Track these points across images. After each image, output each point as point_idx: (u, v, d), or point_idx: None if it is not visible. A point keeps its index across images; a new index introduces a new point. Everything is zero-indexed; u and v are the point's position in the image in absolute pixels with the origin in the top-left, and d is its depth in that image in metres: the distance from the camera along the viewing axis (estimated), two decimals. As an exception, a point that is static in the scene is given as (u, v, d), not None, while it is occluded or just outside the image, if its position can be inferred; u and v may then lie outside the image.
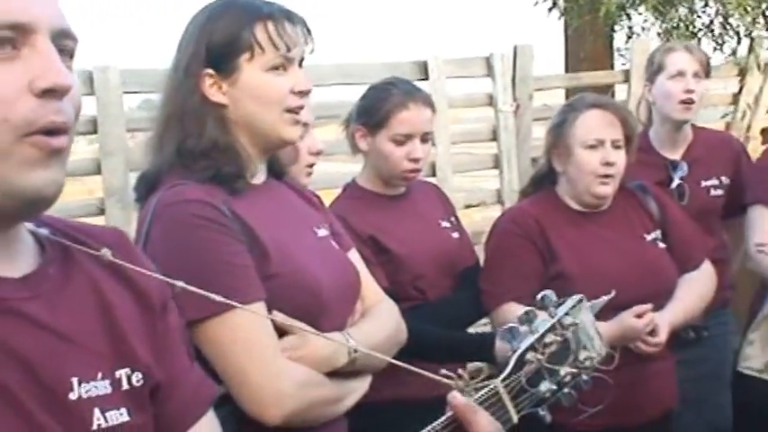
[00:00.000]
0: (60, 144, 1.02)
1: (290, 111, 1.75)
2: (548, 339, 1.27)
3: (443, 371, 1.30)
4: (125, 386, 1.13)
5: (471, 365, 1.29)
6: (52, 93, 1.00)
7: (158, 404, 1.19)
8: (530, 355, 1.26)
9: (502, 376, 1.25)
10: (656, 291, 2.61)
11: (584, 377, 1.29)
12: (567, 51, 7.74)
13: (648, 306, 2.50)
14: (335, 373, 1.71)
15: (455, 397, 1.21)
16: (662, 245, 2.71)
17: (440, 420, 1.20)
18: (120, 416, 1.11)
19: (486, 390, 1.23)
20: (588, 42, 7.04)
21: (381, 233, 2.56)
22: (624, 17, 5.67)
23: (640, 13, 5.71)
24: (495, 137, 4.91)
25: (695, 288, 2.71)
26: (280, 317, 1.64)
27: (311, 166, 2.38)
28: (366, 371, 1.78)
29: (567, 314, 1.28)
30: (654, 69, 3.26)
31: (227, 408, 1.58)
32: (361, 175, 2.74)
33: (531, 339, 1.26)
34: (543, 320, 1.28)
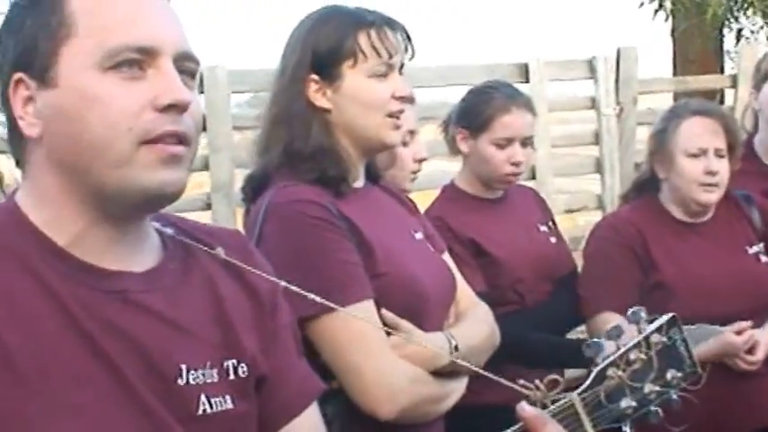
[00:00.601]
0: (177, 151, 1.12)
1: (391, 115, 1.79)
2: (632, 356, 1.27)
3: (522, 381, 1.31)
4: (231, 376, 1.20)
5: (548, 377, 1.28)
6: (172, 108, 1.11)
7: (264, 396, 1.25)
8: (611, 371, 1.26)
9: (580, 390, 1.25)
10: (756, 306, 2.55)
11: (674, 396, 1.30)
12: (675, 54, 7.62)
13: (749, 323, 2.46)
14: (435, 374, 1.75)
15: (524, 408, 1.22)
16: (765, 258, 2.64)
17: (510, 430, 1.22)
18: (224, 403, 1.18)
19: (562, 402, 1.24)
20: (696, 45, 6.90)
21: (481, 236, 2.57)
22: (732, 20, 5.54)
23: (748, 17, 5.57)
24: (597, 140, 4.88)
25: None
26: (388, 314, 1.68)
27: (415, 172, 2.44)
28: (463, 372, 1.80)
29: (656, 332, 1.29)
30: (760, 77, 3.16)
31: (336, 402, 1.65)
32: (459, 176, 2.76)
33: (613, 356, 1.27)
34: (629, 337, 1.28)
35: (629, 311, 1.31)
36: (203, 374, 1.17)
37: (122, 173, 1.10)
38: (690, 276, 2.51)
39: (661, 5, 5.50)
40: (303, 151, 1.76)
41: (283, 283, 1.32)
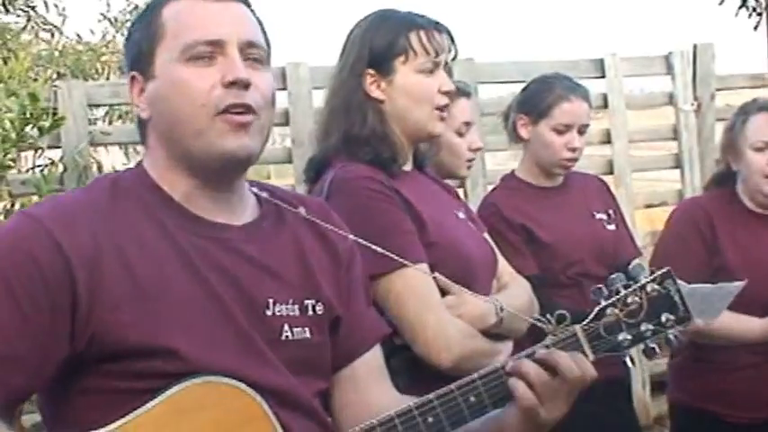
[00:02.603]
0: (245, 120, 1.39)
1: (437, 108, 2.02)
2: (629, 300, 1.48)
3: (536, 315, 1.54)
4: (310, 312, 1.47)
5: (558, 312, 1.50)
6: (235, 84, 1.38)
7: (338, 334, 1.52)
8: (609, 311, 1.48)
9: (582, 324, 1.48)
10: None
11: (671, 336, 1.49)
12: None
13: None
14: (484, 335, 1.94)
15: (540, 349, 1.46)
16: None
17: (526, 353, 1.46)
18: (303, 332, 1.45)
19: (568, 332, 1.47)
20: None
21: (532, 222, 2.72)
22: None
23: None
24: (675, 136, 4.90)
25: None
26: (441, 277, 1.87)
27: (471, 160, 2.67)
28: (508, 335, 1.99)
29: (651, 281, 1.49)
30: None
31: (401, 357, 1.85)
32: (519, 166, 2.92)
33: (613, 298, 1.48)
34: (627, 285, 1.50)
35: (630, 266, 1.51)
36: (287, 308, 1.44)
37: (202, 141, 1.39)
38: (753, 261, 2.63)
39: (744, 2, 5.45)
40: (360, 136, 1.98)
41: (357, 240, 1.59)
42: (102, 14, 6.35)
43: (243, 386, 1.33)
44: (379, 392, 1.55)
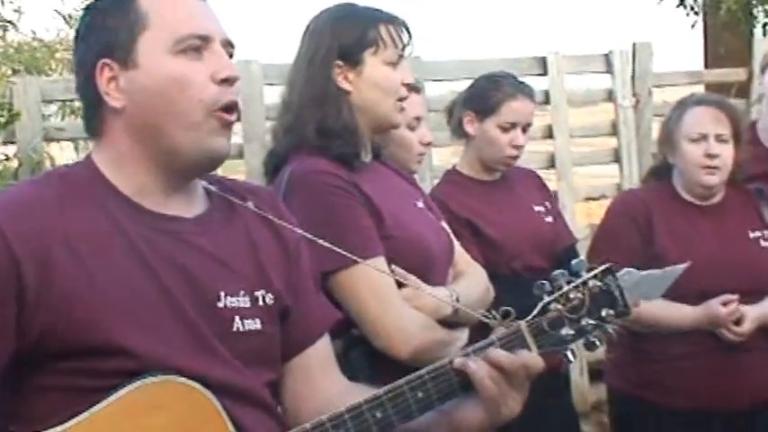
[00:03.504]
0: (233, 118, 1.43)
1: (400, 99, 2.07)
2: (571, 295, 1.52)
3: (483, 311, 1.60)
4: (260, 303, 1.48)
5: (502, 309, 1.57)
6: (227, 81, 1.41)
7: (288, 324, 1.53)
8: (552, 306, 1.51)
9: (526, 319, 1.51)
10: (752, 286, 2.71)
11: (610, 330, 1.54)
12: (706, 48, 7.68)
13: (734, 296, 2.63)
14: (440, 323, 1.97)
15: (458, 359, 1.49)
16: (765, 244, 2.80)
17: (471, 348, 1.50)
18: (254, 324, 1.46)
19: (512, 328, 1.50)
20: (726, 39, 6.97)
21: (477, 216, 2.80)
22: (749, 15, 5.61)
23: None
24: (614, 131, 5.05)
25: None
26: (398, 270, 1.92)
27: (422, 154, 2.71)
28: (464, 324, 2.05)
29: (593, 278, 1.54)
30: (765, 63, 3.34)
31: (360, 349, 1.89)
32: (461, 161, 3.00)
33: (556, 294, 1.52)
34: (570, 281, 1.55)
35: (572, 262, 1.56)
36: (238, 300, 1.44)
37: (193, 135, 1.40)
38: (686, 252, 2.65)
39: (682, 1, 5.61)
40: (334, 128, 2.00)
41: (308, 236, 1.61)
42: (56, 11, 6.37)
43: (197, 386, 1.34)
44: (329, 382, 1.58)
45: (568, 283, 1.53)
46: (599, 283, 1.53)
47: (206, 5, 1.46)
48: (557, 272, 1.54)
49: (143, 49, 1.40)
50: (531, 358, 1.48)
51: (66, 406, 1.31)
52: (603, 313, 1.52)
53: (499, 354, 1.46)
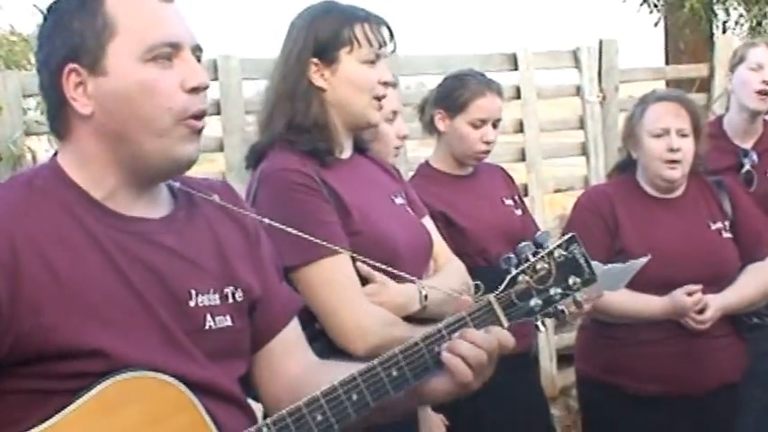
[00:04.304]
0: (201, 125, 1.42)
1: (376, 98, 2.07)
2: (538, 266, 1.53)
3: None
4: (230, 300, 1.47)
5: (473, 283, 1.56)
6: (197, 90, 1.40)
7: (256, 314, 1.53)
8: (520, 278, 1.53)
9: (495, 292, 1.53)
10: (714, 275, 2.79)
11: (577, 297, 1.56)
12: (667, 44, 7.87)
13: (698, 286, 2.71)
14: (408, 320, 1.97)
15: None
16: (727, 235, 2.88)
17: (441, 325, 1.52)
18: (225, 320, 1.46)
19: (482, 302, 1.52)
20: (686, 36, 7.15)
21: (449, 209, 2.87)
22: (718, 12, 5.79)
23: (735, 8, 5.82)
24: (582, 125, 5.18)
25: (759, 276, 2.87)
26: (363, 266, 1.92)
27: (398, 148, 2.74)
28: (435, 319, 2.02)
29: (558, 247, 1.56)
30: (735, 61, 3.44)
31: (322, 342, 1.89)
32: (433, 156, 3.07)
33: (522, 266, 1.54)
34: (536, 253, 1.57)
35: (537, 233, 1.61)
36: (208, 298, 1.44)
37: (161, 142, 1.38)
38: (650, 244, 2.74)
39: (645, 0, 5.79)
40: (303, 124, 2.04)
41: (277, 227, 1.63)
42: (34, 5, 6.36)
43: (169, 378, 1.33)
44: (293, 363, 1.58)
45: (534, 254, 1.54)
46: (564, 252, 1.54)
47: (174, 8, 1.42)
48: (522, 244, 1.56)
49: (112, 56, 1.36)
50: (504, 336, 1.48)
51: (38, 408, 1.29)
52: (571, 281, 1.54)
53: (475, 335, 1.47)
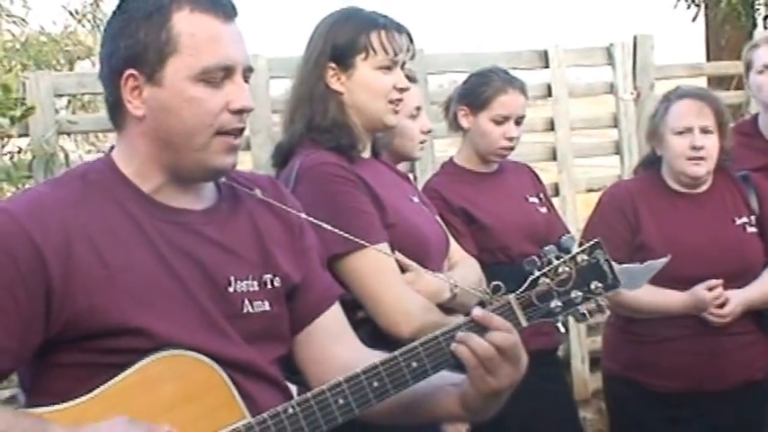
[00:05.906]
0: (238, 143, 1.55)
1: (391, 102, 2.18)
2: (560, 270, 1.57)
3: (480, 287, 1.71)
4: (268, 286, 1.60)
5: (494, 283, 1.57)
6: (240, 112, 1.52)
7: (296, 300, 1.66)
8: (541, 280, 1.58)
9: (516, 293, 1.58)
10: (737, 271, 2.82)
11: (600, 302, 1.59)
12: (708, 40, 7.76)
13: (719, 281, 2.74)
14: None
15: (476, 309, 1.58)
16: (752, 230, 2.89)
17: (462, 323, 1.57)
18: (262, 305, 1.59)
19: (502, 301, 1.58)
20: (727, 32, 7.05)
21: (471, 205, 2.92)
22: (759, 7, 5.69)
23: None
24: (615, 124, 5.09)
25: None
26: (400, 256, 2.04)
27: (423, 142, 2.83)
28: (459, 310, 2.15)
29: (581, 253, 1.60)
30: (745, 68, 3.42)
31: (364, 329, 1.99)
32: (458, 153, 3.11)
33: (545, 268, 1.58)
34: (559, 256, 1.61)
35: (563, 238, 1.63)
36: (247, 284, 1.57)
37: (199, 155, 1.52)
38: (672, 239, 2.78)
39: (684, -6, 5.70)
40: (321, 125, 2.14)
41: (321, 224, 1.73)
42: (63, 6, 6.48)
43: (204, 358, 1.46)
44: (342, 347, 1.69)
45: (557, 258, 1.58)
46: (587, 257, 1.59)
47: (234, 28, 1.54)
48: (547, 247, 1.59)
49: (170, 71, 1.49)
50: (507, 337, 1.53)
51: (86, 380, 1.44)
52: (593, 286, 1.58)
53: (494, 335, 1.53)
